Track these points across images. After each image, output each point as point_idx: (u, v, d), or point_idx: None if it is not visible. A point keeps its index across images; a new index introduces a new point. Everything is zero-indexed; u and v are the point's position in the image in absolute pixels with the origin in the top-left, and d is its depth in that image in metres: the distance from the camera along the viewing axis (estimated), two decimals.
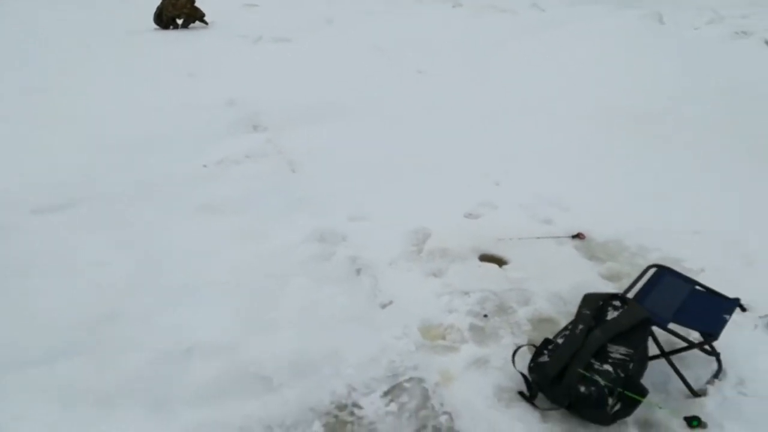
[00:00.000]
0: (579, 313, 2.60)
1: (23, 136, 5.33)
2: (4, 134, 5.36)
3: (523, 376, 2.56)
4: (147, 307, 2.98)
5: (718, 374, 2.65)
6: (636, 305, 2.55)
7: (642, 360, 2.45)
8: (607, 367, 2.38)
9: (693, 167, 4.77)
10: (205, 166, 4.87)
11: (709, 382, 2.60)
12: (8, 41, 10.35)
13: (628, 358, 2.39)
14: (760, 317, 3.03)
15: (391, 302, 3.13)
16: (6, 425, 2.31)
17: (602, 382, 2.32)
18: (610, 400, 2.30)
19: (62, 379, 2.55)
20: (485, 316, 3.06)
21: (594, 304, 2.59)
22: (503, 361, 2.71)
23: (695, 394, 2.52)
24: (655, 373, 2.64)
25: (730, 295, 3.13)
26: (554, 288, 3.25)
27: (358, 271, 3.39)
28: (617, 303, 2.58)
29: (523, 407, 2.50)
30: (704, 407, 2.49)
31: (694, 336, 2.65)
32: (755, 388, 2.59)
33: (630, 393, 2.32)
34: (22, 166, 4.61)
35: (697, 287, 2.77)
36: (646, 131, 5.49)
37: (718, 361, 2.69)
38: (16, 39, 10.61)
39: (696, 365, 2.74)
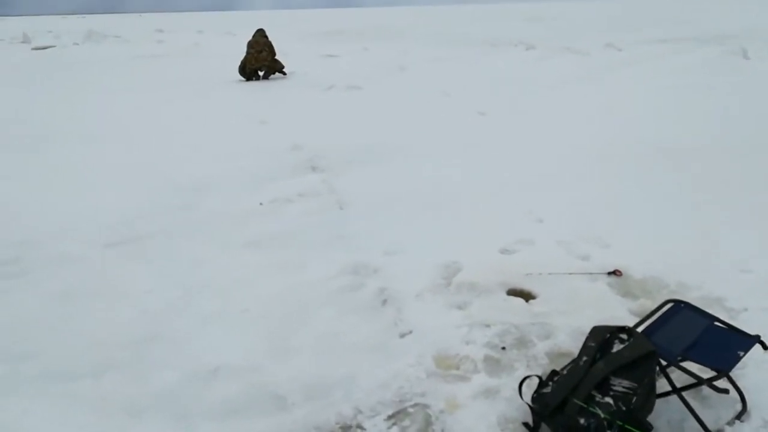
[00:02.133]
0: (585, 345, 2.58)
1: (102, 178, 5.97)
2: (84, 176, 6.04)
3: (530, 406, 2.56)
4: (182, 331, 3.25)
5: (740, 415, 2.52)
6: (642, 338, 2.49)
7: (647, 395, 2.38)
8: (608, 399, 2.34)
9: (743, 205, 4.58)
10: (261, 204, 5.23)
11: (729, 423, 2.48)
12: (102, 88, 11.57)
13: (631, 392, 2.34)
14: None
15: (410, 332, 3.22)
16: (48, 429, 2.59)
17: (601, 415, 2.29)
18: None
19: (103, 391, 2.83)
20: (503, 348, 3.08)
21: (600, 337, 2.56)
22: (513, 392, 2.71)
23: None
24: (672, 410, 2.56)
25: None
26: (578, 323, 3.20)
27: (384, 302, 3.51)
28: (624, 336, 2.54)
29: None
30: None
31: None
32: None
33: (630, 427, 2.26)
34: (96, 204, 5.17)
35: (716, 323, 2.67)
36: (696, 167, 5.35)
37: (743, 401, 2.56)
38: (107, 86, 11.86)
39: (719, 405, 2.62)
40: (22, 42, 26.71)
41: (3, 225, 4.81)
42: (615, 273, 3.77)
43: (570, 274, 3.77)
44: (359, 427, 2.57)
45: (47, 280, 3.88)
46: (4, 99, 11.15)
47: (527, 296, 3.58)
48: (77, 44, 25.39)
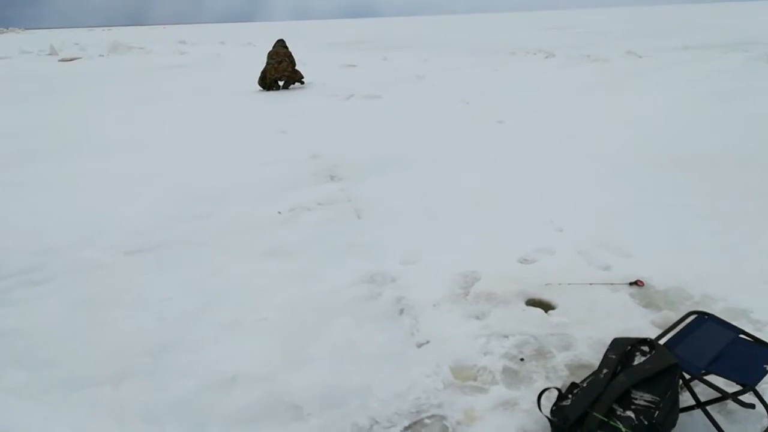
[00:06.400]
0: (605, 357, 2.53)
1: (124, 187, 6.06)
2: (106, 185, 6.13)
3: (549, 419, 2.52)
4: (200, 339, 3.26)
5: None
6: (664, 351, 2.44)
7: (670, 409, 2.32)
8: (630, 413, 2.29)
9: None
10: (279, 212, 5.25)
11: None
12: (125, 99, 11.76)
13: (653, 406, 2.29)
14: None
15: (427, 342, 3.19)
16: None
17: (622, 429, 2.24)
18: None
19: (122, 398, 2.85)
20: (521, 359, 3.04)
21: (621, 349, 2.51)
22: (532, 405, 2.67)
23: None
24: (696, 425, 2.50)
25: None
26: (598, 335, 3.15)
27: (401, 312, 3.49)
28: (646, 348, 2.49)
29: None
30: None
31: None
32: None
33: None
34: (117, 213, 5.25)
35: (742, 336, 2.60)
36: (719, 176, 5.24)
37: None
38: (130, 97, 12.04)
39: (745, 420, 2.55)
40: (49, 54, 27.32)
41: (27, 233, 4.90)
42: (637, 283, 3.71)
43: (590, 284, 3.71)
44: None
45: (69, 288, 3.94)
46: (29, 110, 11.39)
47: (546, 306, 3.54)
48: (102, 56, 25.91)
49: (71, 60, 23.65)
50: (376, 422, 2.63)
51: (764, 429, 2.46)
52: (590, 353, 3.04)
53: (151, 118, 10.08)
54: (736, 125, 6.75)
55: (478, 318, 3.42)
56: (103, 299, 3.78)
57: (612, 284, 3.72)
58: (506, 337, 3.20)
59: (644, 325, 3.29)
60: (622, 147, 6.60)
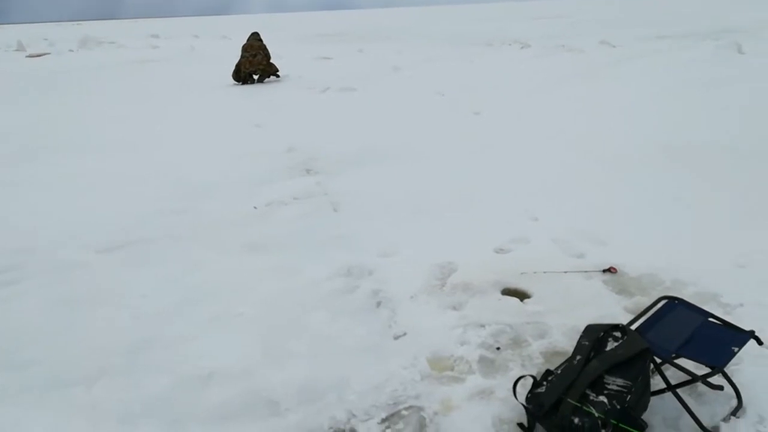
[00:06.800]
0: (578, 344, 2.56)
1: (100, 185, 5.96)
2: (82, 184, 6.03)
3: (524, 407, 2.54)
4: (177, 335, 3.23)
5: (736, 411, 2.50)
6: (636, 336, 2.48)
7: (642, 393, 2.37)
8: (602, 398, 2.32)
9: (739, 202, 4.56)
10: (255, 207, 5.21)
11: (725, 419, 2.47)
12: (97, 95, 11.56)
13: (625, 390, 2.33)
14: None
15: (404, 333, 3.20)
16: None
17: (595, 414, 2.27)
18: None
19: (95, 399, 2.81)
20: (497, 348, 3.07)
21: (594, 335, 2.55)
22: (508, 393, 2.70)
23: (705, 430, 2.39)
24: (668, 407, 2.55)
25: None
26: (573, 322, 3.19)
27: (378, 304, 3.50)
28: (618, 334, 2.53)
29: None
30: None
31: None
32: None
33: (625, 425, 2.25)
34: (95, 211, 5.17)
35: (711, 319, 2.65)
36: (691, 165, 5.31)
37: (738, 397, 2.55)
38: (102, 93, 11.83)
39: (715, 401, 2.60)
40: (17, 50, 26.66)
41: (1, 233, 4.79)
42: (610, 270, 3.76)
43: (565, 272, 3.75)
44: (353, 430, 2.55)
45: (44, 288, 3.87)
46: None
47: (522, 295, 3.57)
48: (72, 51, 25.37)
49: (39, 56, 23.11)
50: (354, 415, 2.63)
51: (733, 409, 2.52)
52: (565, 340, 3.08)
53: (125, 114, 9.88)
54: (710, 115, 6.82)
55: (454, 308, 3.44)
56: (79, 298, 3.72)
57: (586, 272, 3.77)
58: (482, 326, 3.23)
59: (617, 311, 3.34)
60: (595, 137, 6.64)
